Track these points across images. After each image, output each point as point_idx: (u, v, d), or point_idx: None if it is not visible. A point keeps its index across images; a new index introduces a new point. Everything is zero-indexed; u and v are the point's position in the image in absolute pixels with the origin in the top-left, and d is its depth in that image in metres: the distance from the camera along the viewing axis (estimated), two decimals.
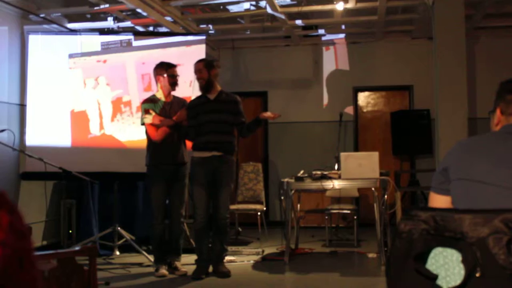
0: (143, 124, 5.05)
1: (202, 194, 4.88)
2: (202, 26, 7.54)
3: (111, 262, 5.55)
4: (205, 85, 4.95)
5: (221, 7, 7.00)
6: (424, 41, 7.84)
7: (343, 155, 5.33)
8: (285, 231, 5.56)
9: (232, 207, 6.37)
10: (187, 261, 5.26)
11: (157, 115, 4.96)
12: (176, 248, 5.12)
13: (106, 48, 6.13)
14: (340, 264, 5.46)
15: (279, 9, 6.51)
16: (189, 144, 5.17)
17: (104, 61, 6.12)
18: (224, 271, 4.88)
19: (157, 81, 5.14)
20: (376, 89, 8.35)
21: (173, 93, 5.19)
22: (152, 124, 4.93)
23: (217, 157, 4.85)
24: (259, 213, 6.63)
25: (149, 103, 5.06)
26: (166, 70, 5.08)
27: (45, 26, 6.45)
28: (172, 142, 5.02)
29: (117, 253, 5.91)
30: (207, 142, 4.86)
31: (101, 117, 6.08)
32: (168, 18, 6.74)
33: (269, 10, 6.51)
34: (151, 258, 5.24)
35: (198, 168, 4.89)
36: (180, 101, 5.22)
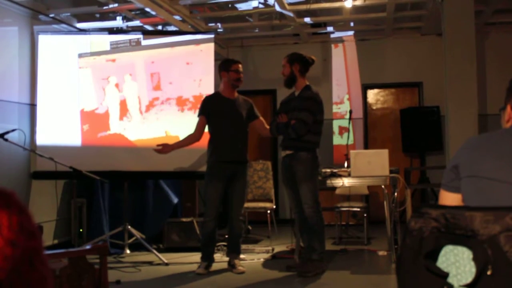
0: (199, 116, 5.12)
1: (289, 192, 5.06)
2: (210, 24, 7.54)
3: (121, 261, 5.58)
4: (286, 80, 4.99)
5: (230, 5, 7.00)
6: (433, 37, 7.79)
7: (352, 152, 5.32)
8: (295, 229, 5.56)
9: None
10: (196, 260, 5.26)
11: (170, 144, 5.04)
12: (235, 246, 5.13)
13: (115, 48, 6.15)
14: (350, 262, 5.44)
15: (287, 6, 6.50)
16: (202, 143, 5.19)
17: (114, 60, 6.14)
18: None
19: (221, 77, 5.17)
20: (385, 86, 8.32)
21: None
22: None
23: (290, 156, 4.89)
24: (268, 211, 6.63)
25: (209, 100, 5.12)
26: (230, 66, 5.12)
27: (55, 26, 6.48)
28: (235, 140, 5.03)
29: (128, 251, 5.94)
30: (283, 141, 4.95)
31: (110, 116, 6.10)
32: (177, 17, 6.75)
33: (277, 8, 6.50)
34: (162, 256, 5.25)
35: (282, 167, 5.06)
36: (246, 101, 5.24)
